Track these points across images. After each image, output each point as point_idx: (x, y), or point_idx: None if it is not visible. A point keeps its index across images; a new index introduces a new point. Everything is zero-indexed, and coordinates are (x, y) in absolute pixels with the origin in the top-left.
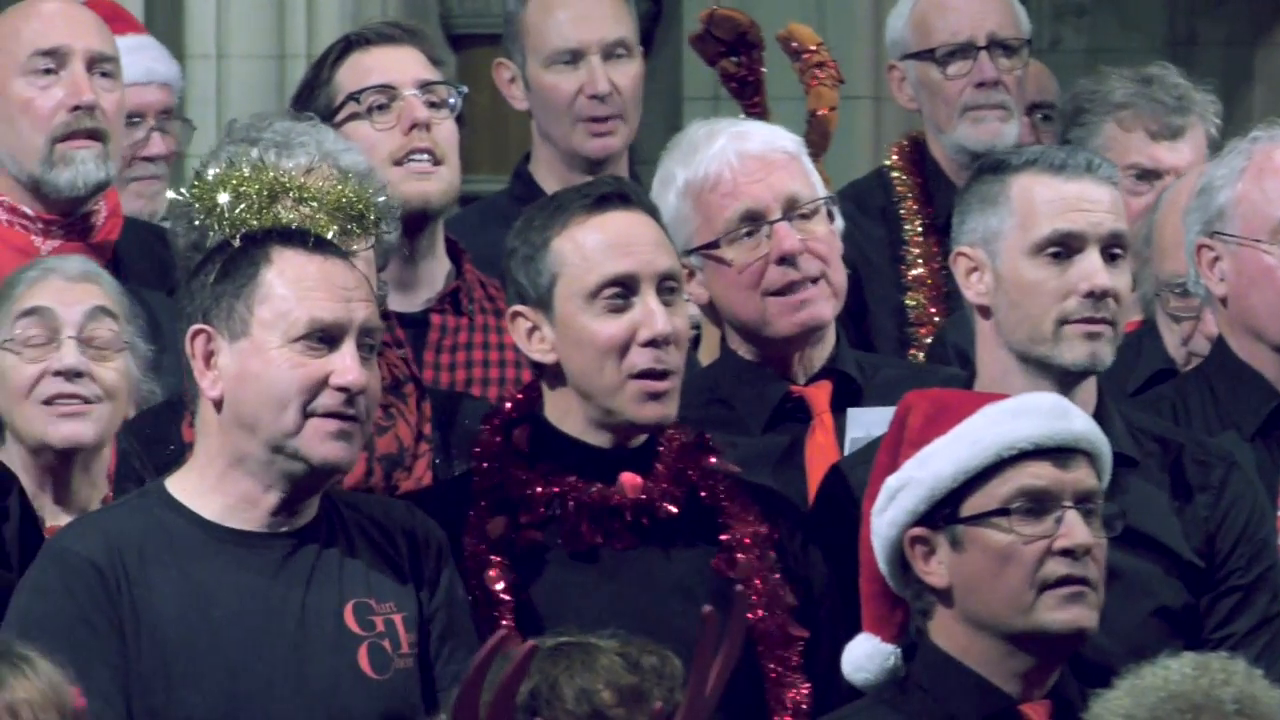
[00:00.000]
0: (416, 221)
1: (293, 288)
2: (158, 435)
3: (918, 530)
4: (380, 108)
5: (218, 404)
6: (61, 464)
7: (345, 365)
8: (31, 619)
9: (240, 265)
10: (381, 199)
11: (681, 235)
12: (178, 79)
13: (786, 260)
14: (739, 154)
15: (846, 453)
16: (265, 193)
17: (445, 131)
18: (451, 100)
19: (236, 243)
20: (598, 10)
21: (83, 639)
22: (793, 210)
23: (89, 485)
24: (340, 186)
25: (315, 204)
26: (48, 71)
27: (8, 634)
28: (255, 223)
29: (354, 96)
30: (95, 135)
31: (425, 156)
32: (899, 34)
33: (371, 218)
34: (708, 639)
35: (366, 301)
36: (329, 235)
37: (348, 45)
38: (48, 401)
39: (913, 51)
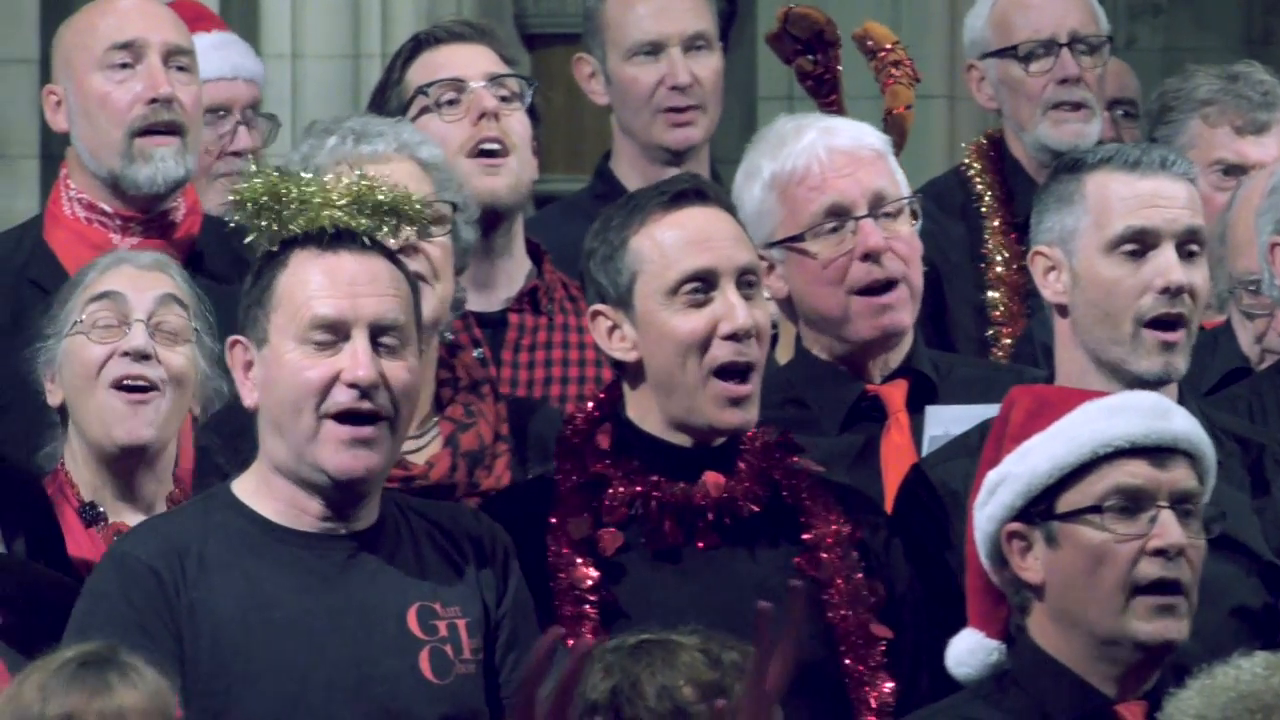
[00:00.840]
0: (490, 218)
1: (299, 288)
2: (241, 432)
3: (1015, 526)
4: (450, 101)
5: (256, 412)
6: (125, 461)
7: (355, 360)
8: (90, 623)
9: (263, 274)
10: (446, 193)
11: (764, 228)
12: (262, 75)
13: (870, 257)
14: (828, 148)
15: (925, 451)
16: (292, 198)
17: (515, 123)
18: (521, 93)
19: (275, 249)
20: (678, 3)
21: (139, 644)
22: (878, 207)
23: (154, 481)
24: (349, 181)
25: (320, 203)
26: (124, 65)
27: (68, 637)
28: (286, 228)
29: (423, 90)
30: (173, 129)
31: (494, 145)
32: (978, 33)
33: (408, 210)
34: (765, 635)
35: (382, 295)
36: (348, 229)
37: (418, 44)
38: (116, 386)
39: (993, 50)
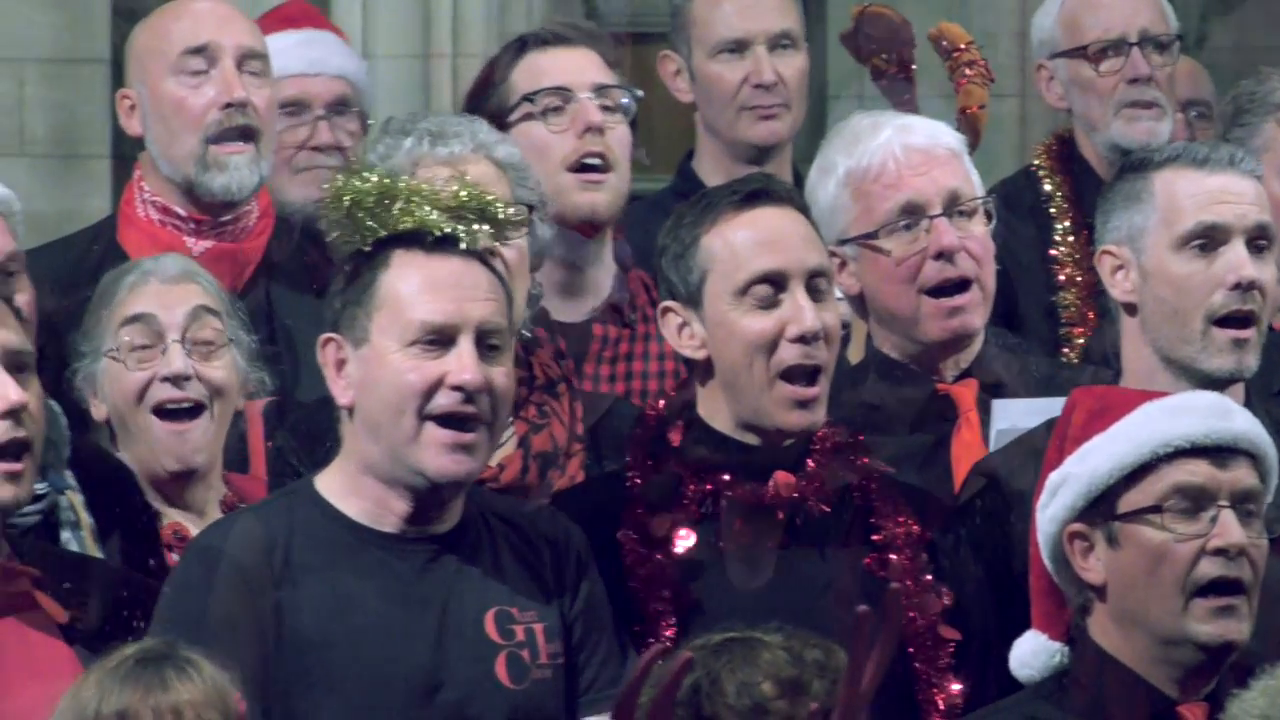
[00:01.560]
0: (585, 230)
1: (406, 291)
2: (315, 432)
3: (1076, 526)
4: (555, 110)
5: (349, 411)
6: (176, 479)
7: (461, 364)
8: (174, 617)
9: (362, 273)
10: (523, 193)
11: (838, 224)
12: (355, 73)
13: (944, 256)
14: (904, 146)
15: (992, 444)
16: (381, 198)
17: (618, 136)
18: (626, 103)
19: (367, 249)
20: (765, 1)
21: (223, 639)
22: (953, 206)
23: (205, 489)
24: (455, 186)
25: (429, 206)
26: (197, 71)
27: (152, 631)
28: (375, 229)
29: (529, 98)
30: (247, 134)
31: (597, 160)
32: (1048, 32)
33: (499, 214)
34: (862, 637)
35: (486, 300)
36: (453, 233)
37: (523, 45)
38: (159, 412)
39: (1063, 49)
